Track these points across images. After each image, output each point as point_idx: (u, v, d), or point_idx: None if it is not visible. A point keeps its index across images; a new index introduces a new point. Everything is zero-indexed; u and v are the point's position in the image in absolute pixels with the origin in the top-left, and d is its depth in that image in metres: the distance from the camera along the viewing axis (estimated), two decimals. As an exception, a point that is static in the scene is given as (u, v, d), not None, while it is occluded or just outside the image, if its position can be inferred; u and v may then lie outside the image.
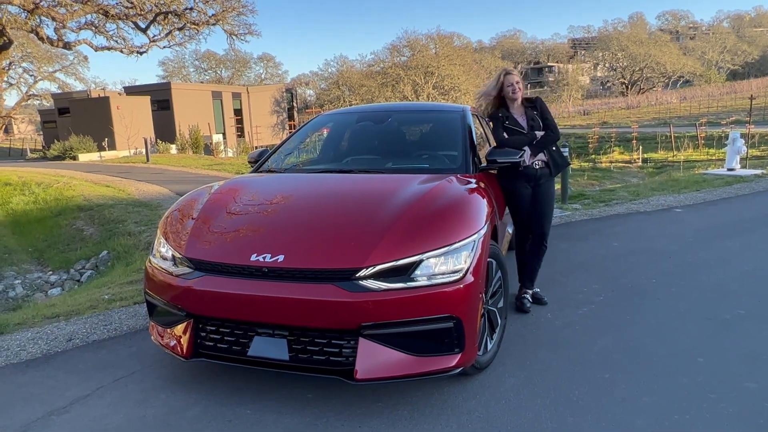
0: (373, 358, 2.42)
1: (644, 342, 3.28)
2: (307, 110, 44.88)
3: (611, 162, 21.93)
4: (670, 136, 23.65)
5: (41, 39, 16.81)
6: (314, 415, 2.56)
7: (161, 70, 58.52)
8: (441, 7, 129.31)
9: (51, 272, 8.21)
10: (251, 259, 2.53)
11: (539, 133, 3.75)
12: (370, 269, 2.42)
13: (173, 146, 24.62)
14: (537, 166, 3.76)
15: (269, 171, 3.92)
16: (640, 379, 2.83)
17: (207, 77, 58.71)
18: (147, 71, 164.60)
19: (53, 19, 15.74)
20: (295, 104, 38.49)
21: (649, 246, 5.48)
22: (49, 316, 4.39)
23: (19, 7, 14.62)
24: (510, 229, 4.68)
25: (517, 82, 3.70)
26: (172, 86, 28.91)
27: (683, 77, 62.16)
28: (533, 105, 3.81)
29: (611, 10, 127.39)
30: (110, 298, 4.76)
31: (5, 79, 28.67)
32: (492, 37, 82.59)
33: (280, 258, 2.49)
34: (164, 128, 26.56)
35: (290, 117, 37.35)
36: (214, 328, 2.66)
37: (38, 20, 15.96)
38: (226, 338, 2.64)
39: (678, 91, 56.35)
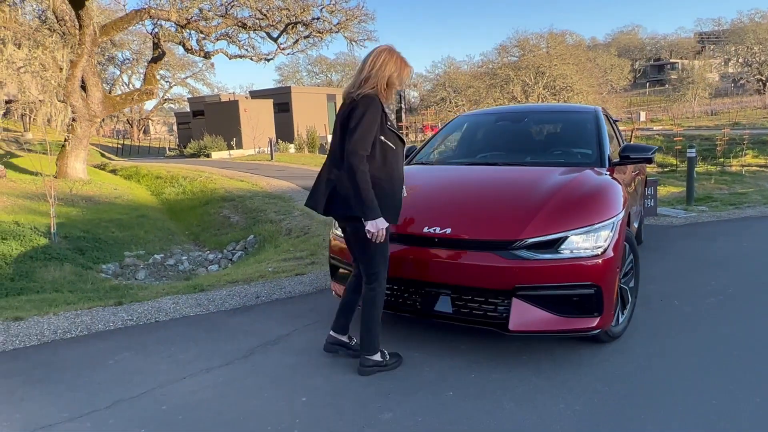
0: (525, 315, 2.93)
1: (774, 328, 3.45)
2: (422, 112, 45.54)
3: (743, 166, 20.35)
4: (815, 138, 21.42)
5: (187, 50, 19.08)
6: (469, 361, 3.11)
7: (277, 75, 62.66)
8: (552, 5, 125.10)
9: (208, 251, 9.56)
10: (424, 230, 3.14)
11: None
12: (524, 241, 2.94)
13: (291, 146, 26.58)
14: None
15: (421, 164, 4.52)
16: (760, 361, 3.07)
17: (318, 80, 61.89)
18: (262, 75, 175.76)
19: (200, 32, 17.84)
20: (403, 105, 39.53)
21: (784, 247, 5.42)
22: (229, 281, 5.36)
23: (174, 23, 16.80)
24: (636, 224, 4.94)
25: None
26: (291, 90, 31.11)
27: (834, 72, 55.18)
28: None
29: (746, 0, 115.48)
30: (274, 270, 5.67)
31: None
32: (607, 34, 78.56)
33: (448, 230, 3.08)
34: (283, 129, 28.72)
35: (399, 118, 38.42)
36: (389, 285, 3.30)
37: (187, 33, 18.17)
38: (403, 295, 3.27)
39: (827, 88, 50.11)
